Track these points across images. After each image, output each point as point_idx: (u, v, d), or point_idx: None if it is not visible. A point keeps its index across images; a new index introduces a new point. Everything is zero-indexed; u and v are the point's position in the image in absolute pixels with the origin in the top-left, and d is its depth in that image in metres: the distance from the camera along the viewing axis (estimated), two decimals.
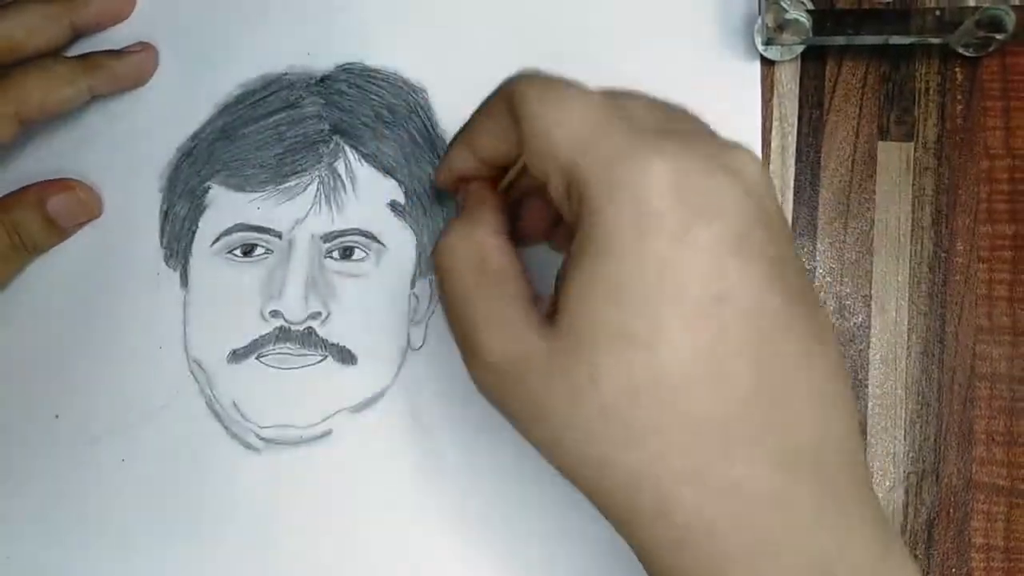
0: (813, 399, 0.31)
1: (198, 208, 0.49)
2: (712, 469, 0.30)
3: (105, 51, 0.49)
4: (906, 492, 0.45)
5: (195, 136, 0.49)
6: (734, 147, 0.33)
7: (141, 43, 0.50)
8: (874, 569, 0.31)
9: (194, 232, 0.49)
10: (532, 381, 0.32)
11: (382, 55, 0.49)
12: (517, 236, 0.39)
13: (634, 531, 0.31)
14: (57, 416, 0.48)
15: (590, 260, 0.31)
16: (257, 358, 0.48)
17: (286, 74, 0.50)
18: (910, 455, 0.45)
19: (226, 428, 0.48)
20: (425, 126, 0.49)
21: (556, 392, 0.31)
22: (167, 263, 0.49)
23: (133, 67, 0.49)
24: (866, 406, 0.45)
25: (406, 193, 0.48)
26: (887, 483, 0.45)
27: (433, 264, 0.37)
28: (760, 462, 0.30)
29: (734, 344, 0.30)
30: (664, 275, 0.30)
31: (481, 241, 0.36)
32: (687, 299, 0.30)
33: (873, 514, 0.32)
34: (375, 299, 0.48)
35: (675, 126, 0.34)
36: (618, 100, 0.34)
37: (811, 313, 0.32)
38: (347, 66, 0.49)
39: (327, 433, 0.47)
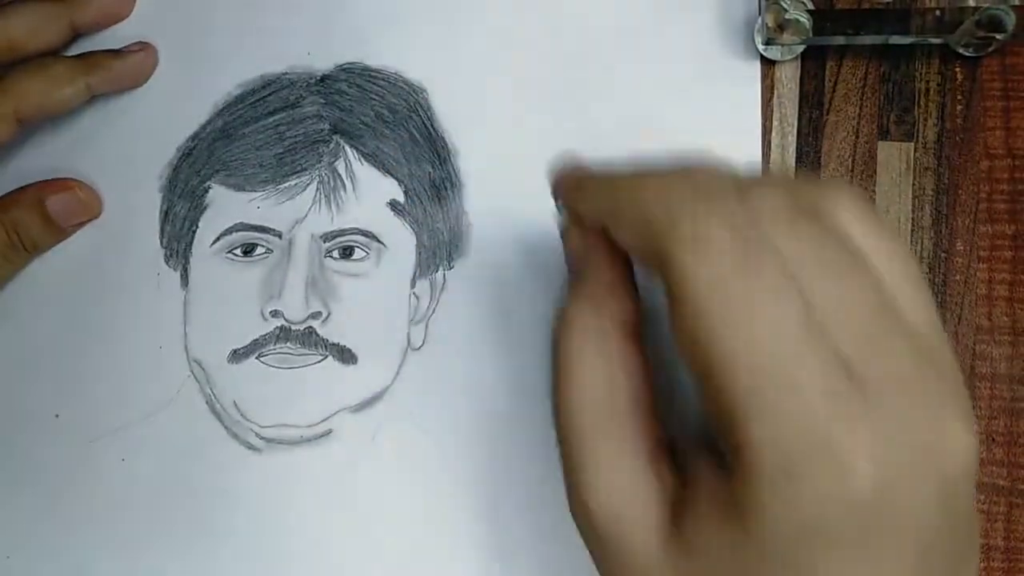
0: None
1: (198, 208, 0.49)
2: None
3: (105, 50, 0.49)
4: None
5: (195, 136, 0.49)
6: (952, 415, 0.27)
7: (140, 43, 0.50)
8: None
9: (194, 232, 0.49)
10: (629, 556, 0.30)
11: (382, 55, 0.49)
12: None
13: None
14: (57, 415, 0.48)
15: (730, 533, 0.27)
16: (257, 358, 0.48)
17: (286, 74, 0.50)
18: None
19: (226, 428, 0.48)
20: (425, 125, 0.49)
21: None
22: (167, 263, 0.49)
23: (133, 67, 0.49)
24: None
25: (406, 192, 0.48)
26: None
27: (553, 351, 0.32)
28: None
29: None
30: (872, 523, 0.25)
31: (613, 353, 0.32)
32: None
33: None
34: (375, 299, 0.48)
35: (901, 368, 0.27)
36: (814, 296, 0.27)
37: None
38: (347, 66, 0.49)
39: (327, 433, 0.47)
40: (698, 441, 0.31)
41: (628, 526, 0.30)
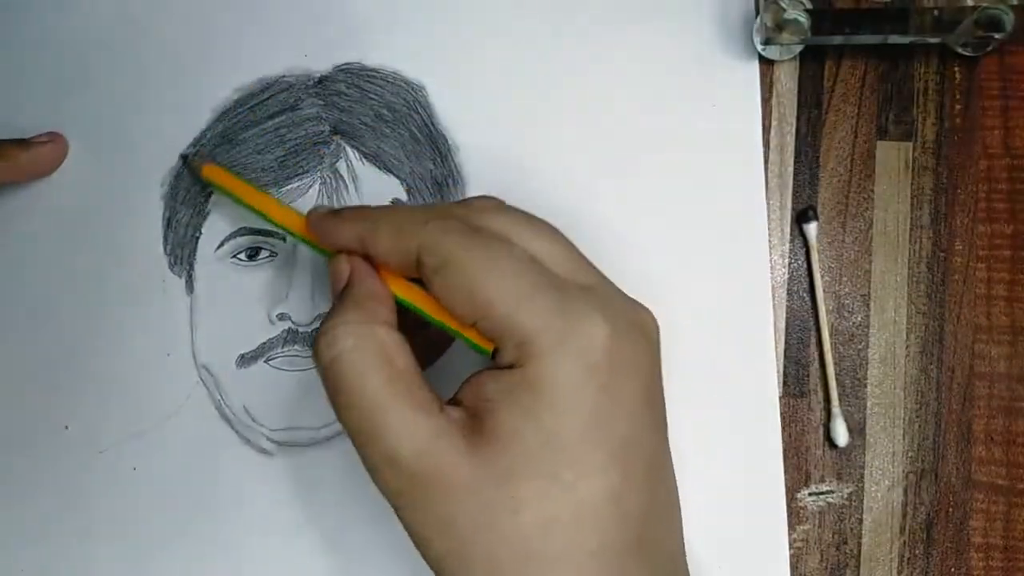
0: (675, 516, 0.37)
1: (201, 214, 0.49)
2: None
3: (10, 140, 0.49)
4: (905, 491, 0.45)
5: (195, 142, 0.49)
6: (641, 308, 0.37)
7: (51, 133, 0.50)
8: None
9: (198, 238, 0.49)
10: (448, 498, 0.34)
11: (379, 54, 0.49)
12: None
13: None
14: (67, 427, 0.49)
15: (530, 401, 0.33)
16: (266, 361, 0.48)
17: (284, 76, 0.50)
18: (909, 454, 0.45)
19: (237, 433, 0.48)
20: (425, 123, 0.49)
21: (472, 514, 0.33)
22: (172, 270, 0.49)
23: (39, 158, 0.49)
24: (865, 406, 0.46)
25: (408, 191, 0.48)
26: (886, 482, 0.45)
27: (326, 360, 0.36)
28: (642, 568, 0.34)
29: (635, 483, 0.34)
30: (593, 423, 0.33)
31: (384, 340, 0.36)
32: (608, 444, 0.34)
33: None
34: None
35: (588, 277, 0.37)
36: (535, 242, 0.37)
37: (667, 446, 0.38)
38: (345, 66, 0.49)
39: (338, 434, 0.48)
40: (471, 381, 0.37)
41: (437, 459, 0.34)
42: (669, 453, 0.37)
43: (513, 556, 0.33)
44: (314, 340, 0.36)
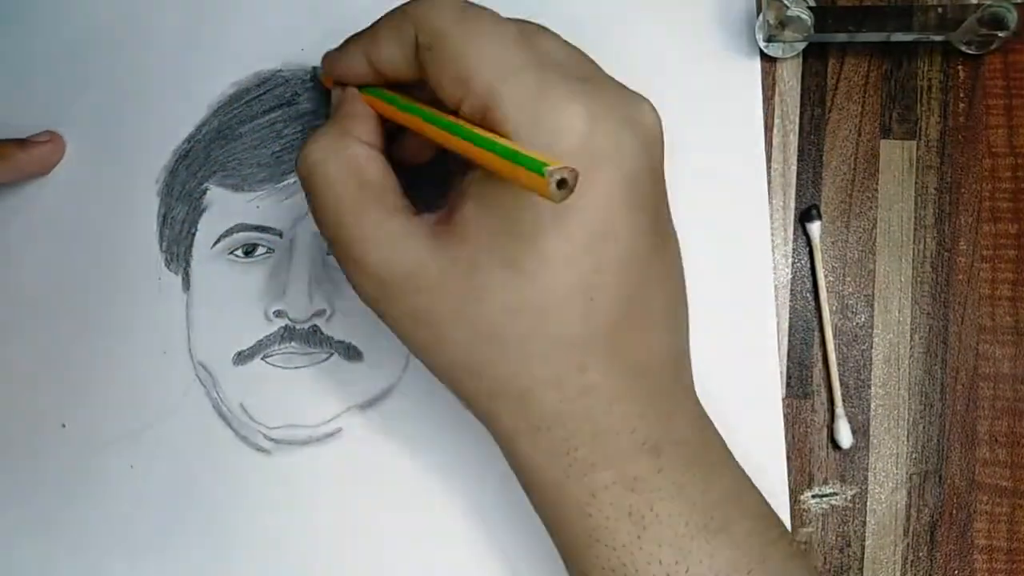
0: (662, 316, 0.36)
1: (197, 210, 0.49)
2: (569, 377, 0.34)
3: (9, 140, 0.49)
4: (909, 493, 0.45)
5: (191, 138, 0.49)
6: (638, 98, 0.37)
7: (48, 132, 0.49)
8: (691, 441, 0.36)
9: (194, 234, 0.49)
10: (420, 293, 0.35)
11: None
12: (394, 157, 0.41)
13: (497, 423, 0.36)
14: (64, 425, 0.48)
15: (493, 189, 0.34)
16: (263, 359, 0.48)
17: (280, 71, 0.49)
18: (913, 456, 0.45)
19: (234, 431, 0.48)
20: None
21: (443, 305, 0.35)
22: (168, 267, 0.49)
23: (37, 157, 0.49)
24: (869, 406, 0.45)
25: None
26: (890, 484, 0.45)
27: (300, 173, 0.38)
28: (612, 373, 0.35)
29: (608, 279, 0.34)
30: (557, 212, 0.33)
31: (356, 153, 0.37)
32: (574, 236, 0.33)
33: (693, 408, 0.38)
34: None
35: (584, 70, 0.38)
36: (530, 34, 0.37)
37: (672, 252, 0.37)
38: None
39: (337, 431, 0.47)
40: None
41: (404, 260, 0.35)
42: (667, 261, 0.37)
43: (479, 338, 0.35)
44: (296, 158, 0.39)
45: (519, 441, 0.36)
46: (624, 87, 0.37)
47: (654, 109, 0.37)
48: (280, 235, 0.48)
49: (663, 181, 0.37)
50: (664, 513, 0.34)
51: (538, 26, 0.38)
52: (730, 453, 0.38)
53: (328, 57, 0.42)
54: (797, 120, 0.47)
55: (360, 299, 0.38)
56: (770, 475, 0.45)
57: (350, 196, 0.36)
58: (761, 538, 0.36)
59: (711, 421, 0.38)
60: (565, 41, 0.39)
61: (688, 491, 0.35)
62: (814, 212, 0.46)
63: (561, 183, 0.28)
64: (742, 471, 0.38)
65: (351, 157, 0.37)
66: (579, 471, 0.35)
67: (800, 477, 0.45)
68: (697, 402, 0.38)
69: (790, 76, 0.47)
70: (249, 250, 0.48)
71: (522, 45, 0.35)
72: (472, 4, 0.36)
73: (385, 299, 0.36)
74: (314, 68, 0.49)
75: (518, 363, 0.35)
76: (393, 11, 0.38)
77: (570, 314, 0.34)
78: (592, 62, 0.39)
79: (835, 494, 0.45)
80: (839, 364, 0.45)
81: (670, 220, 0.38)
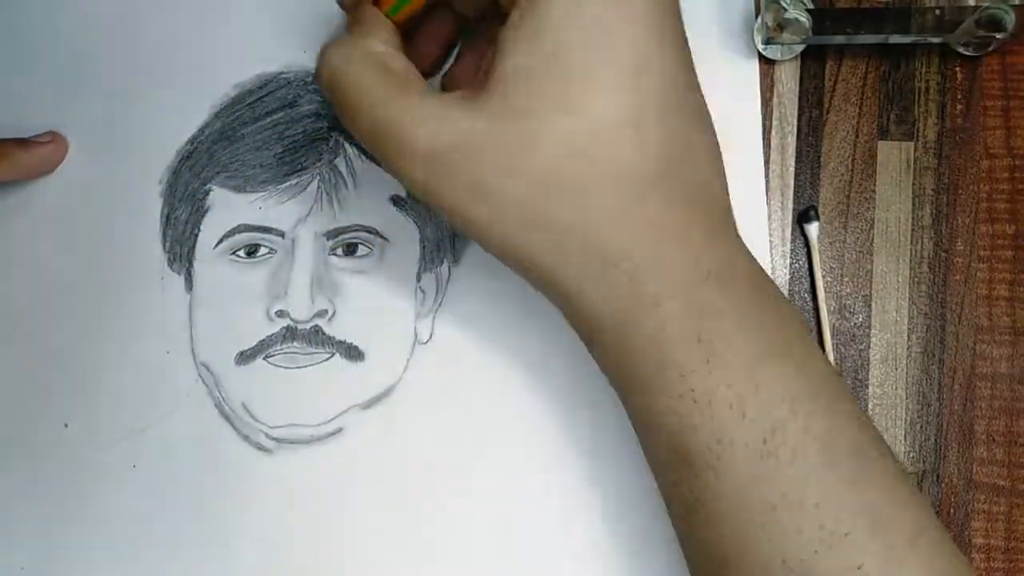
0: (704, 153, 0.37)
1: (200, 211, 0.49)
2: (632, 210, 0.34)
3: (13, 140, 0.49)
4: None
5: (193, 139, 0.49)
6: None
7: (50, 132, 0.50)
8: (749, 273, 0.37)
9: (197, 235, 0.49)
10: (468, 162, 0.35)
11: None
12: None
13: (561, 275, 0.36)
14: (67, 425, 0.49)
15: (528, 32, 0.34)
16: (265, 358, 0.48)
17: (282, 73, 0.50)
18: (910, 455, 0.45)
19: (237, 430, 0.48)
20: None
21: (493, 166, 0.34)
22: (171, 267, 0.49)
23: (39, 158, 0.50)
24: (866, 406, 0.46)
25: None
26: None
27: (325, 79, 0.38)
28: (672, 204, 0.35)
29: (652, 110, 0.34)
30: (600, 40, 0.33)
31: (377, 50, 0.37)
32: (617, 65, 0.34)
33: (743, 246, 0.37)
34: (381, 294, 0.48)
35: None
36: None
37: (701, 92, 0.38)
38: None
39: (338, 431, 0.48)
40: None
41: (451, 128, 0.35)
42: (701, 99, 0.37)
43: (538, 188, 0.34)
44: (315, 71, 0.39)
45: (585, 287, 0.35)
46: None
47: None
48: (282, 236, 0.48)
49: (682, 20, 0.37)
50: (732, 338, 0.34)
51: None
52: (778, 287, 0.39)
53: None
54: (795, 122, 0.47)
55: (409, 188, 0.37)
56: None
57: (381, 85, 0.36)
58: (820, 363, 0.36)
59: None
60: None
61: (753, 318, 0.35)
62: (812, 213, 0.46)
63: None
64: (791, 304, 0.38)
65: (373, 54, 0.37)
66: (648, 304, 0.35)
67: None
68: (744, 245, 0.38)
69: (788, 78, 0.47)
70: (251, 251, 0.49)
71: None
72: None
73: (436, 177, 0.35)
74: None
75: (579, 205, 0.34)
76: None
77: (623, 146, 0.34)
78: None
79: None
80: (837, 364, 0.46)
81: (692, 61, 0.38)
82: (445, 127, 0.35)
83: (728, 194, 0.38)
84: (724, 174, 0.38)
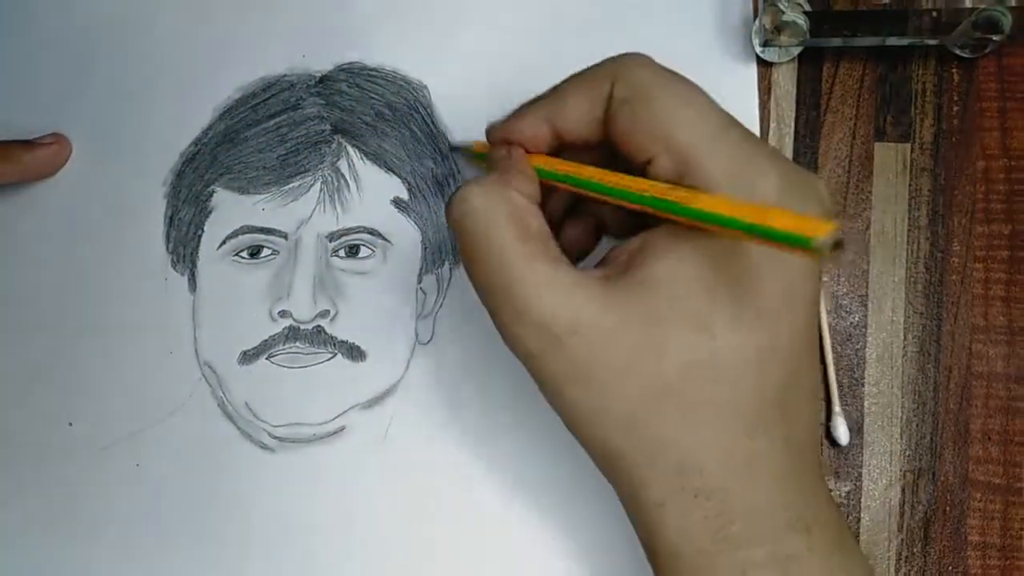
0: (810, 399, 0.36)
1: (203, 212, 0.49)
2: (737, 444, 0.33)
3: (15, 141, 0.49)
4: (903, 490, 0.45)
5: (197, 141, 0.50)
6: (815, 176, 0.36)
7: (54, 134, 0.50)
8: (833, 523, 0.35)
9: (200, 236, 0.49)
10: (585, 345, 0.33)
11: (381, 53, 0.50)
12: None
13: (645, 490, 0.34)
14: (71, 424, 0.49)
15: (689, 247, 0.33)
16: (268, 358, 0.48)
17: (285, 76, 0.50)
18: (906, 453, 0.45)
19: (240, 429, 0.48)
20: (426, 122, 0.49)
21: (609, 362, 0.33)
22: (174, 268, 0.49)
23: (43, 159, 0.50)
24: (862, 405, 0.46)
25: (409, 189, 0.49)
26: (884, 481, 0.45)
27: (457, 216, 0.36)
28: (775, 445, 0.34)
29: (783, 348, 0.34)
30: (754, 274, 0.33)
31: (518, 203, 0.36)
32: (766, 301, 0.33)
33: (827, 490, 0.37)
34: (382, 295, 0.48)
35: (766, 146, 0.37)
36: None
37: (815, 324, 0.36)
38: (346, 66, 0.50)
39: (340, 430, 0.48)
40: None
41: (576, 308, 0.34)
42: (817, 340, 0.37)
43: (648, 396, 0.33)
44: (447, 203, 0.37)
45: (669, 510, 0.34)
46: (792, 163, 0.37)
47: (823, 183, 0.37)
48: (285, 237, 0.49)
49: None
50: None
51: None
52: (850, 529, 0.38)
53: (501, 123, 0.40)
54: (792, 123, 0.47)
55: (514, 352, 0.35)
56: None
57: (514, 242, 0.34)
58: None
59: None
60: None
61: (833, 563, 0.34)
62: None
63: (836, 244, 0.27)
64: (865, 557, 0.38)
65: (514, 206, 0.36)
66: (732, 545, 0.33)
67: None
68: (828, 487, 0.38)
69: (786, 80, 0.47)
70: (254, 251, 0.49)
71: (720, 109, 0.35)
72: (666, 67, 0.36)
73: (545, 351, 0.34)
74: (451, 144, 0.49)
75: (687, 424, 0.33)
76: (586, 69, 0.37)
77: (745, 379, 0.33)
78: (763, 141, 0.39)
79: (830, 491, 0.45)
80: (833, 363, 0.46)
81: None
82: (569, 306, 0.33)
83: (819, 435, 0.38)
84: (819, 413, 0.39)
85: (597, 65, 0.37)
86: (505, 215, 0.35)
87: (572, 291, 0.34)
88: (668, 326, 0.33)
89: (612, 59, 0.37)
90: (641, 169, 0.35)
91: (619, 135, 0.35)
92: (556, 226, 0.41)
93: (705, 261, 0.33)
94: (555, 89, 0.38)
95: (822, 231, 0.27)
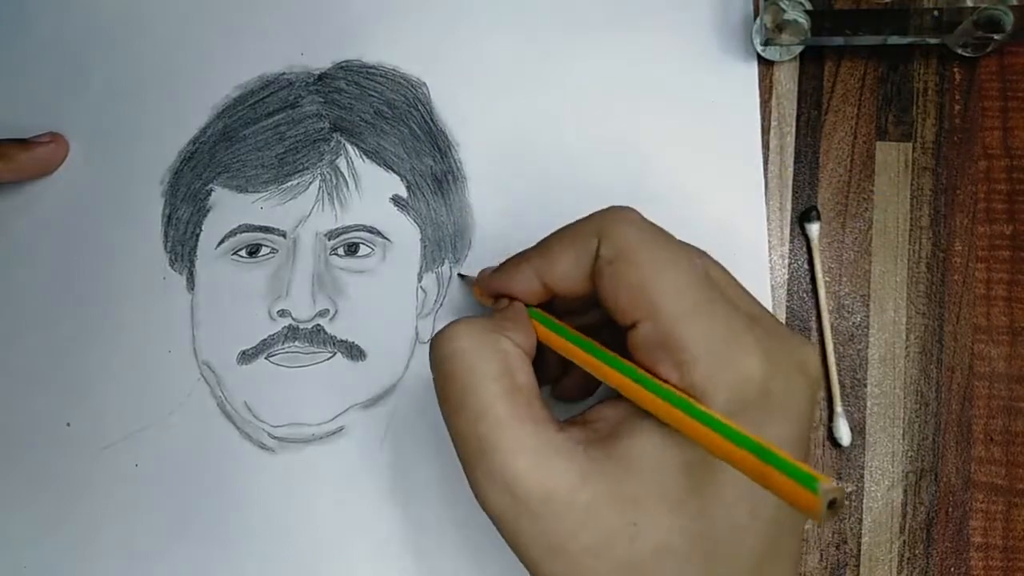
0: (793, 561, 0.36)
1: (201, 211, 0.49)
2: None
3: (11, 140, 0.49)
4: (905, 491, 0.45)
5: (195, 139, 0.50)
6: (803, 343, 0.36)
7: (51, 133, 0.50)
8: None
9: (198, 235, 0.49)
10: (559, 518, 0.32)
11: (379, 51, 0.49)
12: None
13: None
14: (69, 424, 0.49)
15: (656, 433, 0.33)
16: (267, 358, 0.48)
17: (284, 74, 0.50)
18: (909, 454, 0.45)
19: (239, 429, 0.48)
20: (425, 120, 0.49)
21: (586, 537, 0.32)
22: (173, 267, 0.49)
23: (39, 158, 0.50)
24: (865, 405, 0.46)
25: (408, 187, 0.48)
26: (886, 482, 0.45)
27: (441, 355, 0.35)
28: None
29: (761, 520, 0.33)
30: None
31: (509, 352, 0.35)
32: (744, 480, 0.32)
33: None
34: (382, 294, 0.48)
35: (748, 304, 0.37)
36: (706, 265, 0.36)
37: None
38: (344, 63, 0.50)
39: (340, 430, 0.48)
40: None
41: (553, 478, 0.32)
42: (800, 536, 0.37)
43: (620, 575, 0.32)
44: (432, 337, 0.35)
45: None
46: (784, 327, 0.37)
47: (816, 353, 0.37)
48: (284, 235, 0.48)
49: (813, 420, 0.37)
50: None
51: (701, 251, 0.37)
52: None
53: (490, 275, 0.40)
54: (794, 123, 0.47)
55: (482, 508, 0.34)
56: None
57: (498, 397, 0.33)
58: None
59: None
60: (724, 269, 0.38)
61: None
62: (814, 213, 0.46)
63: (832, 503, 0.25)
64: None
65: (504, 354, 0.34)
66: None
67: None
68: None
69: (787, 79, 0.47)
70: (253, 250, 0.49)
71: (704, 278, 0.34)
72: (653, 224, 0.36)
73: (515, 517, 0.33)
74: (459, 275, 0.48)
75: None
76: (573, 223, 0.37)
77: (720, 556, 0.33)
78: (749, 293, 0.38)
79: None
80: (835, 363, 0.46)
81: None
82: (545, 474, 0.32)
83: None
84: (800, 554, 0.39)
85: (584, 220, 0.37)
86: (492, 364, 0.34)
87: (550, 458, 0.32)
88: (644, 509, 0.32)
89: (599, 213, 0.36)
90: (625, 329, 0.34)
91: (604, 294, 0.35)
92: (558, 368, 0.42)
93: (688, 443, 0.32)
94: (544, 243, 0.38)
95: (818, 504, 0.25)
